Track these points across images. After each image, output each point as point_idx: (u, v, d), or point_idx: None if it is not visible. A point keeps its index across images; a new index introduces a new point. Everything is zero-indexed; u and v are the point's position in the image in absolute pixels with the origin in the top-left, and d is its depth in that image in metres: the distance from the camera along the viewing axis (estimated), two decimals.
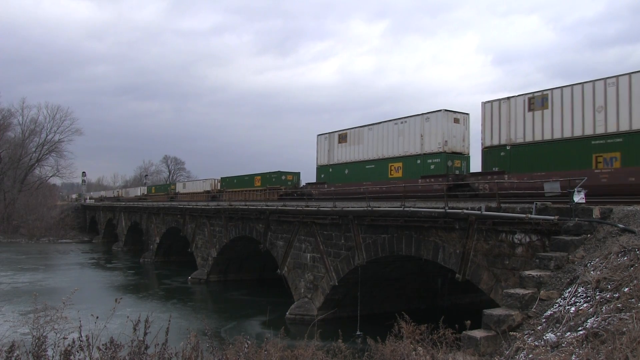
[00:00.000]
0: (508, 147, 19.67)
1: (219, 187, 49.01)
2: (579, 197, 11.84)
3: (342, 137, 29.63)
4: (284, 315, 22.22)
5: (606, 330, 6.71)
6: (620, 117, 16.21)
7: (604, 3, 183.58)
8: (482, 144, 20.76)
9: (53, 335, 6.94)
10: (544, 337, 7.52)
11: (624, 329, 6.41)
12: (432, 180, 22.56)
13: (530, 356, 7.08)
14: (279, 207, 25.33)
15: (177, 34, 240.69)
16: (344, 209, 20.28)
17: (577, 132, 17.51)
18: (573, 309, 8.03)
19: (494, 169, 20.19)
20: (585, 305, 7.96)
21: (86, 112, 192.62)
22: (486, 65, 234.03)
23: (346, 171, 29.18)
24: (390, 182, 25.23)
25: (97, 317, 7.24)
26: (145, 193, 72.96)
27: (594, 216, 11.52)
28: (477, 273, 14.96)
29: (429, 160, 24.04)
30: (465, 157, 24.12)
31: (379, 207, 18.75)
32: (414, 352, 7.88)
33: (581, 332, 7.06)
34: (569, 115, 17.72)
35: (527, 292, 9.43)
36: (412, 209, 17.02)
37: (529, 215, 12.89)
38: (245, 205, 29.90)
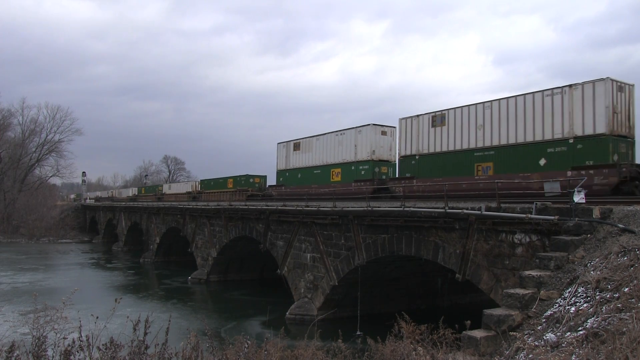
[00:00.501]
0: (417, 157, 24.05)
1: (198, 189, 53.62)
2: (579, 197, 11.84)
3: (296, 145, 34.15)
4: (284, 315, 22.23)
5: (606, 330, 6.72)
6: (493, 134, 20.64)
7: (605, 3, 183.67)
8: (398, 154, 25.54)
9: (53, 335, 6.94)
10: (544, 337, 7.52)
11: (624, 329, 6.41)
12: (362, 184, 26.91)
13: (530, 356, 7.08)
14: (279, 207, 25.34)
15: (178, 34, 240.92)
16: (344, 209, 20.30)
17: (465, 146, 21.77)
18: (573, 309, 8.03)
19: (407, 174, 24.38)
20: (585, 305, 7.96)
21: (86, 112, 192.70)
22: (487, 65, 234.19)
23: (299, 175, 33.65)
24: (332, 185, 29.53)
25: (97, 317, 7.25)
26: (136, 194, 77.37)
27: (594, 216, 11.52)
28: (477, 273, 14.96)
29: (360, 167, 28.44)
30: (392, 164, 27.97)
31: (379, 207, 18.76)
32: (414, 352, 7.88)
33: (581, 332, 7.06)
34: (459, 132, 22.03)
35: (527, 292, 9.43)
36: (412, 209, 17.03)
37: (529, 215, 12.89)
38: (245, 205, 29.94)
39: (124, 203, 64.24)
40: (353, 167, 28.78)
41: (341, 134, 30.21)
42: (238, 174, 47.31)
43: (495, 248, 14.39)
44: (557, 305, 8.61)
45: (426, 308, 23.69)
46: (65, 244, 63.35)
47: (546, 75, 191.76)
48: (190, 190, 55.11)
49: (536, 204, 13.07)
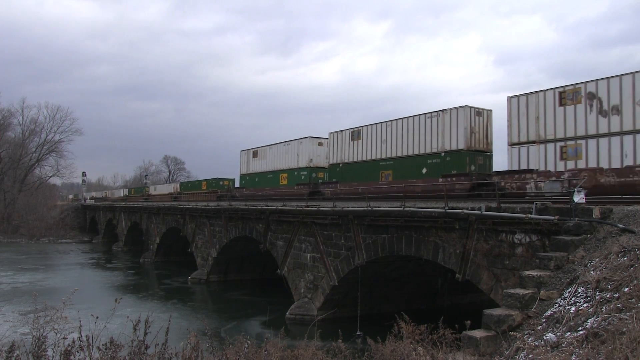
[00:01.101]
0: (341, 165, 29.32)
1: (178, 190, 59.55)
2: (579, 197, 11.85)
3: (255, 153, 39.93)
4: (284, 315, 22.23)
5: (606, 330, 6.72)
6: (392, 148, 25.74)
7: (607, 3, 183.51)
8: (328, 162, 30.78)
9: (53, 335, 6.94)
10: (544, 337, 7.52)
11: (624, 329, 6.41)
12: (301, 187, 32.02)
13: (530, 356, 7.08)
14: (279, 207, 25.35)
15: (179, 34, 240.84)
16: (344, 209, 20.30)
17: (373, 157, 26.98)
18: (573, 309, 8.03)
19: (333, 179, 29.62)
20: (585, 305, 7.96)
21: (87, 112, 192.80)
22: (488, 65, 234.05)
23: (257, 179, 39.44)
24: (280, 188, 34.82)
25: (97, 317, 7.25)
26: (127, 194, 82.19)
27: (594, 216, 11.52)
28: (477, 273, 14.96)
29: (301, 173, 33.82)
30: (327, 171, 32.09)
31: (379, 207, 18.76)
32: (414, 352, 7.88)
33: (581, 332, 7.06)
34: (370, 145, 27.26)
35: (527, 292, 9.43)
36: (412, 209, 17.03)
37: (529, 215, 12.89)
38: (245, 205, 29.95)
39: (117, 203, 67.09)
40: (296, 173, 34.32)
41: (287, 144, 35.61)
42: (211, 177, 54.05)
43: (495, 248, 14.39)
44: (557, 305, 8.61)
45: (426, 308, 23.69)
46: (65, 244, 63.35)
47: (547, 75, 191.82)
48: (171, 191, 60.93)
49: (536, 204, 13.08)
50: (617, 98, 16.38)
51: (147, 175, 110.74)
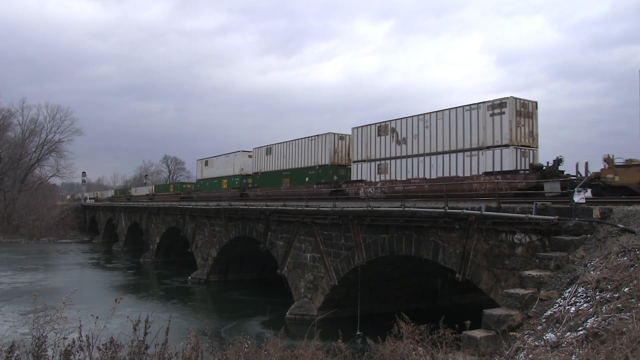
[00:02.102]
0: (259, 174, 37.96)
1: (153, 192, 67.47)
2: (579, 197, 11.85)
3: (206, 162, 49.25)
4: (284, 315, 22.23)
5: (606, 330, 6.72)
6: (289, 162, 34.15)
7: (609, 3, 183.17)
8: (253, 171, 39.42)
9: (53, 335, 6.94)
10: (544, 337, 7.52)
11: (624, 329, 6.41)
12: (235, 190, 40.36)
13: (530, 356, 7.08)
14: (279, 207, 25.35)
15: (181, 34, 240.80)
16: (344, 209, 20.30)
17: (278, 168, 35.42)
18: (573, 309, 8.03)
19: (255, 185, 37.95)
20: (585, 305, 7.96)
21: (88, 112, 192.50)
22: (489, 65, 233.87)
23: (207, 183, 48.24)
24: (222, 191, 43.15)
25: (97, 317, 7.25)
26: (114, 195, 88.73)
27: (594, 216, 11.53)
28: (477, 273, 14.96)
29: (235, 179, 42.37)
30: (252, 176, 39.83)
31: (379, 207, 18.76)
32: (413, 352, 7.88)
33: (581, 332, 7.06)
34: (276, 159, 35.79)
35: (527, 292, 9.44)
36: (412, 209, 17.03)
37: (529, 215, 12.89)
38: (245, 205, 29.96)
39: (116, 203, 70.19)
40: (232, 179, 42.84)
41: (227, 156, 44.70)
42: (177, 182, 68.65)
43: (495, 248, 14.39)
44: (557, 305, 8.61)
45: (426, 308, 23.69)
46: (65, 244, 63.36)
47: (548, 75, 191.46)
48: (148, 193, 69.58)
49: (536, 204, 13.09)
50: (405, 132, 24.44)
51: (147, 175, 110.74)
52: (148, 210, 47.81)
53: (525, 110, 20.44)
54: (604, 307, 7.49)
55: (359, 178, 26.81)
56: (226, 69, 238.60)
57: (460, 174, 21.26)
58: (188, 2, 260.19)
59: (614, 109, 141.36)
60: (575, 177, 17.19)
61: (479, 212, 14.53)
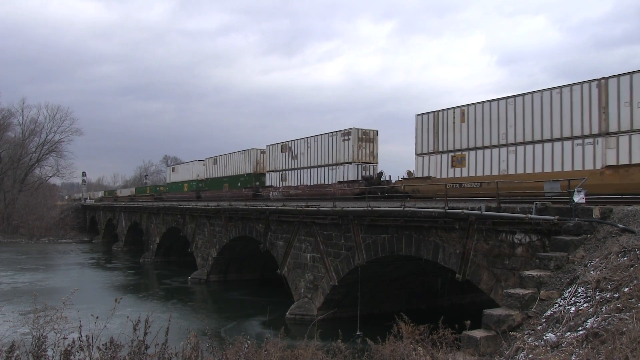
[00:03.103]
0: (208, 179, 46.80)
1: (134, 193, 75.81)
2: (579, 197, 11.85)
3: (173, 169, 60.11)
4: (284, 315, 22.22)
5: (606, 330, 6.72)
6: (226, 170, 42.46)
7: (611, 3, 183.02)
8: (204, 177, 47.66)
9: (53, 335, 6.94)
10: (544, 337, 7.52)
11: (624, 329, 6.42)
12: (193, 192, 48.47)
13: (530, 356, 7.09)
14: (279, 207, 25.35)
15: (183, 34, 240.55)
16: (344, 209, 20.30)
17: (221, 175, 44.04)
18: (573, 309, 8.03)
19: (206, 188, 46.55)
20: (585, 305, 7.96)
21: (88, 112, 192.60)
22: (491, 65, 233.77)
23: (174, 187, 56.33)
24: (183, 193, 51.74)
25: (97, 317, 7.25)
26: (103, 196, 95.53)
27: (594, 216, 11.52)
28: (477, 273, 14.96)
29: (192, 183, 50.11)
30: (204, 181, 48.01)
31: (379, 207, 18.76)
32: (413, 352, 7.88)
33: (581, 332, 7.06)
34: (219, 168, 44.30)
35: (527, 292, 9.43)
36: (412, 209, 17.03)
37: (529, 215, 12.89)
38: (245, 205, 29.96)
39: (116, 203, 72.17)
40: (191, 183, 50.69)
41: (187, 164, 55.12)
42: (152, 185, 79.23)
43: (495, 248, 14.39)
44: (557, 305, 8.61)
45: (426, 308, 23.68)
46: (65, 244, 63.34)
47: (550, 75, 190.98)
48: (129, 194, 77.81)
49: (536, 204, 13.08)
50: (296, 151, 32.82)
51: (146, 175, 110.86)
52: (148, 210, 47.81)
53: (367, 137, 28.45)
54: (604, 307, 7.49)
55: (270, 184, 35.37)
56: (228, 69, 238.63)
57: (325, 182, 29.56)
58: (190, 2, 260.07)
59: None
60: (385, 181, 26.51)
61: (479, 212, 14.52)
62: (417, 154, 22.88)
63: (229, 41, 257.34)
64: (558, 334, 7.49)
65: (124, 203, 63.46)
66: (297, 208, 23.61)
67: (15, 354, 6.55)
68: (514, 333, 8.50)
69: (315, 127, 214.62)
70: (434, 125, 22.07)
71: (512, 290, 9.82)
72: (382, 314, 21.25)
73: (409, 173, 24.62)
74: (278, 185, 34.09)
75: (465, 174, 20.45)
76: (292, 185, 32.55)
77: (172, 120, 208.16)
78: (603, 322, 7.03)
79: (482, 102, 20.16)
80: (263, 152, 37.94)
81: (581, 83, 16.73)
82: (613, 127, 15.68)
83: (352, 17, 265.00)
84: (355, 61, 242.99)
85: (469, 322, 9.12)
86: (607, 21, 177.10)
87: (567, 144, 16.92)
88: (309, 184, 30.77)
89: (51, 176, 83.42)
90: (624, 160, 15.21)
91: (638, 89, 15.10)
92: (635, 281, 7.73)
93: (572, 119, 16.84)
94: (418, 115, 22.85)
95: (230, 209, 30.72)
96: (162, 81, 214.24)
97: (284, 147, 33.73)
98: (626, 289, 7.63)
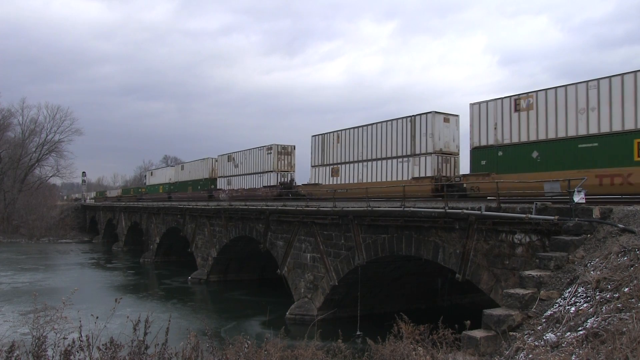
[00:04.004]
0: (178, 182, 53.23)
1: (120, 194, 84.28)
2: (579, 197, 11.84)
3: (151, 173, 68.06)
4: (284, 315, 22.22)
5: (606, 330, 6.72)
6: (191, 174, 50.37)
7: (614, 3, 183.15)
8: (174, 181, 53.96)
9: (53, 335, 6.94)
10: (544, 337, 7.52)
11: (624, 329, 6.41)
12: (165, 193, 55.96)
13: (530, 356, 7.09)
14: (279, 207, 25.34)
15: (185, 35, 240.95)
16: (344, 208, 20.29)
17: (186, 179, 51.23)
18: (573, 309, 8.03)
19: (175, 190, 52.54)
20: (585, 305, 7.96)
21: (89, 113, 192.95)
22: (492, 65, 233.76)
23: (152, 189, 63.42)
24: (159, 194, 58.85)
25: (97, 317, 7.25)
26: (95, 196, 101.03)
27: (594, 216, 11.52)
28: (477, 273, 14.96)
29: (166, 185, 57.18)
30: (174, 184, 54.84)
31: (379, 207, 18.76)
32: (413, 352, 7.88)
33: (581, 332, 7.06)
34: (185, 173, 51.77)
35: (527, 292, 9.43)
36: (412, 209, 17.03)
37: (529, 215, 12.89)
38: (245, 205, 29.95)
39: (116, 203, 73.67)
40: (165, 186, 58.68)
41: (164, 169, 64.70)
42: (135, 187, 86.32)
43: (495, 248, 14.39)
44: (557, 305, 8.61)
45: (426, 308, 23.68)
46: (65, 244, 63.33)
47: (551, 75, 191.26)
48: (116, 194, 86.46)
49: (536, 204, 13.08)
50: (237, 161, 41.14)
51: (146, 175, 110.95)
52: (148, 210, 47.80)
53: (285, 151, 36.40)
54: (604, 307, 7.49)
55: (220, 187, 43.56)
56: (229, 69, 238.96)
57: (256, 186, 37.49)
58: (192, 2, 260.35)
59: None
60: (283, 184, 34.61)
61: (479, 212, 14.53)
62: (311, 166, 30.48)
63: (230, 41, 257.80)
64: (558, 334, 7.49)
65: (124, 203, 65.55)
66: (297, 208, 23.61)
67: (15, 354, 6.55)
68: (514, 333, 8.50)
69: (316, 127, 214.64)
70: (322, 144, 29.33)
71: (512, 290, 9.82)
72: (382, 314, 21.26)
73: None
74: (225, 188, 42.16)
75: (339, 182, 27.54)
76: (235, 188, 40.89)
77: (173, 120, 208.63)
78: (603, 322, 7.03)
79: (350, 129, 27.32)
80: (216, 160, 45.54)
81: (397, 119, 24.24)
82: (417, 151, 22.90)
83: (354, 17, 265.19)
84: (357, 61, 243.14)
85: (469, 322, 9.12)
86: (609, 21, 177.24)
87: (393, 161, 24.19)
88: (245, 187, 39.14)
89: (51, 176, 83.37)
90: (422, 174, 22.50)
91: (432, 125, 22.40)
92: (635, 281, 7.73)
93: (395, 144, 24.04)
94: (312, 136, 30.54)
95: (230, 209, 30.72)
96: (163, 81, 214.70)
97: (230, 157, 42.44)
98: (626, 289, 7.63)
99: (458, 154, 23.28)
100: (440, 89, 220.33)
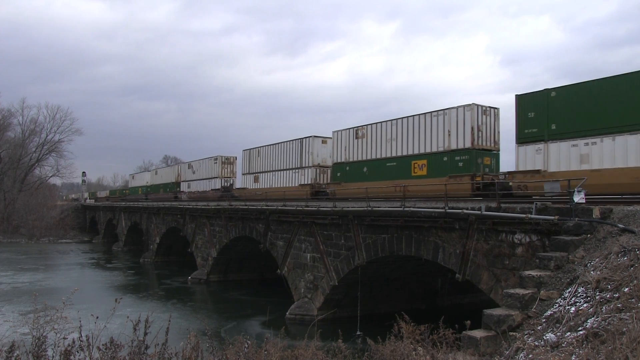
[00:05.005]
0: (152, 185, 62.36)
1: (108, 195, 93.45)
2: (579, 197, 11.84)
3: (133, 177, 77.93)
4: (284, 315, 22.22)
5: (606, 330, 6.72)
6: (162, 178, 59.79)
7: (616, 3, 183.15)
8: (150, 183, 64.00)
9: (53, 335, 6.94)
10: (544, 337, 7.52)
11: (624, 329, 6.41)
12: (143, 195, 63.07)
13: (530, 356, 7.08)
14: (279, 207, 25.34)
15: (187, 35, 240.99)
16: (344, 208, 20.29)
17: (159, 182, 60.44)
18: (573, 309, 8.03)
19: (151, 192, 60.40)
20: (585, 305, 7.96)
21: (90, 113, 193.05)
22: (494, 65, 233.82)
23: (134, 190, 72.20)
24: (138, 195, 66.78)
25: (97, 317, 7.24)
26: (87, 196, 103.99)
27: (594, 216, 11.52)
28: (477, 273, 14.96)
29: (144, 188, 65.17)
30: (150, 186, 62.64)
31: (379, 207, 18.76)
32: (413, 352, 7.88)
33: (581, 332, 7.06)
34: (159, 176, 61.32)
35: (527, 292, 9.43)
36: (412, 209, 17.02)
37: (529, 215, 12.88)
38: (245, 205, 29.95)
39: (116, 203, 73.86)
40: (143, 188, 67.04)
41: (141, 173, 75.08)
42: (120, 189, 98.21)
43: (495, 248, 14.39)
44: (557, 305, 8.61)
45: (426, 308, 23.68)
46: (65, 244, 63.33)
47: (552, 75, 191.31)
48: (105, 195, 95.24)
49: (536, 204, 13.08)
50: (195, 168, 51.01)
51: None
52: (148, 211, 47.81)
53: (228, 161, 45.21)
54: (604, 307, 7.49)
55: (182, 190, 51.72)
56: (230, 69, 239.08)
57: (206, 189, 46.11)
58: (194, 3, 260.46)
59: None
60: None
61: (479, 212, 14.52)
62: (242, 174, 40.08)
63: (232, 41, 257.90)
64: (558, 334, 7.49)
65: (123, 203, 66.77)
66: (297, 208, 23.61)
67: (15, 354, 6.55)
68: (514, 333, 8.49)
69: (317, 127, 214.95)
70: (249, 157, 38.64)
71: (512, 290, 9.81)
72: (382, 314, 21.25)
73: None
74: (185, 191, 50.80)
75: (258, 187, 36.36)
76: (192, 190, 49.07)
77: (173, 120, 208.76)
78: (603, 322, 7.02)
79: (265, 146, 36.48)
80: (180, 168, 55.75)
81: (292, 141, 32.93)
82: (304, 164, 31.36)
83: (356, 17, 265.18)
84: (359, 61, 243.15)
85: (469, 322, 9.12)
86: (611, 21, 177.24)
87: (289, 172, 33.11)
88: (199, 190, 47.40)
89: (51, 176, 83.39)
90: (308, 181, 30.91)
91: (312, 146, 30.72)
92: (635, 281, 7.72)
93: (291, 160, 32.79)
94: (243, 150, 39.81)
95: (230, 209, 30.71)
96: (164, 81, 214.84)
97: (189, 165, 52.07)
98: (626, 289, 7.62)
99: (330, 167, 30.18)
100: (442, 89, 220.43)
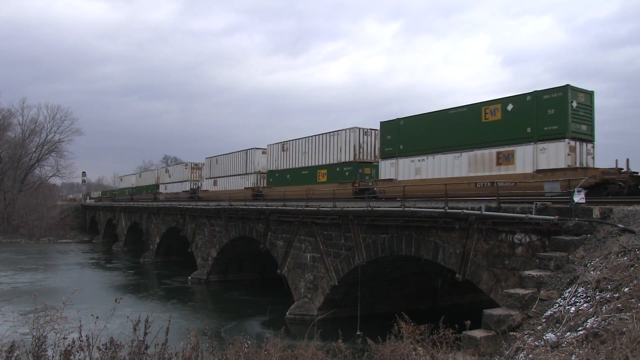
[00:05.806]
0: (137, 187, 69.55)
1: (100, 195, 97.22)
2: (579, 197, 11.84)
3: (121, 178, 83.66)
4: (284, 315, 22.22)
5: (606, 330, 6.72)
6: (144, 181, 67.77)
7: (618, 3, 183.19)
8: (135, 185, 70.90)
9: (53, 335, 6.93)
10: (544, 337, 7.52)
11: (624, 329, 6.41)
12: (127, 196, 70.57)
13: (530, 356, 7.09)
14: (279, 207, 25.34)
15: (188, 35, 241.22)
16: (344, 208, 20.29)
17: (144, 184, 66.95)
18: (573, 309, 8.03)
19: (136, 193, 67.55)
20: (585, 305, 7.96)
21: (90, 113, 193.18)
22: (495, 65, 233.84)
23: (121, 192, 76.89)
24: (124, 195, 72.83)
25: (97, 317, 7.24)
26: (82, 196, 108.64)
27: (594, 216, 11.51)
28: (477, 273, 14.96)
29: (130, 189, 71.70)
30: (135, 188, 69.75)
31: (379, 207, 18.76)
32: (413, 352, 7.88)
33: (581, 332, 7.06)
34: (143, 179, 69.26)
35: (527, 292, 9.43)
36: (412, 209, 17.02)
37: (529, 215, 12.88)
38: (245, 205, 29.97)
39: (116, 203, 73.87)
40: (130, 189, 72.44)
41: (128, 176, 79.23)
42: (111, 189, 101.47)
43: (495, 248, 14.39)
44: (557, 305, 8.61)
45: (426, 308, 23.68)
46: (65, 244, 63.33)
47: (554, 75, 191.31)
48: (97, 196, 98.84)
49: (536, 204, 13.07)
50: (170, 173, 58.31)
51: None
52: (148, 210, 47.81)
53: (197, 167, 51.56)
54: (604, 307, 7.49)
55: (160, 192, 57.64)
56: (232, 69, 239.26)
57: (178, 191, 52.34)
58: (196, 3, 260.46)
59: (619, 109, 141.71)
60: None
61: (479, 212, 14.52)
62: (205, 178, 46.70)
63: (234, 41, 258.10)
64: (558, 334, 7.49)
65: (124, 203, 67.23)
66: (297, 208, 23.61)
67: (15, 354, 6.55)
68: (514, 333, 8.49)
69: (317, 127, 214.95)
70: (210, 164, 45.28)
71: (512, 290, 9.81)
72: (382, 314, 21.25)
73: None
74: (162, 192, 57.36)
75: (217, 189, 43.01)
76: (168, 192, 55.26)
77: (174, 120, 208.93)
78: (603, 322, 7.03)
79: (222, 155, 43.31)
80: (159, 171, 62.63)
81: (241, 151, 39.78)
82: (248, 171, 38.44)
83: (358, 17, 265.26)
84: (360, 61, 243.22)
85: (469, 322, 9.12)
86: (612, 21, 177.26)
87: (238, 177, 39.86)
88: (173, 192, 53.56)
89: (51, 176, 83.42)
90: (250, 185, 37.18)
91: (254, 156, 37.98)
92: (635, 281, 7.72)
93: (239, 167, 39.67)
94: (206, 158, 46.58)
95: (230, 209, 30.71)
96: (165, 81, 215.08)
97: (166, 170, 60.20)
98: (626, 289, 7.62)
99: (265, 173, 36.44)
100: (443, 89, 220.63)
